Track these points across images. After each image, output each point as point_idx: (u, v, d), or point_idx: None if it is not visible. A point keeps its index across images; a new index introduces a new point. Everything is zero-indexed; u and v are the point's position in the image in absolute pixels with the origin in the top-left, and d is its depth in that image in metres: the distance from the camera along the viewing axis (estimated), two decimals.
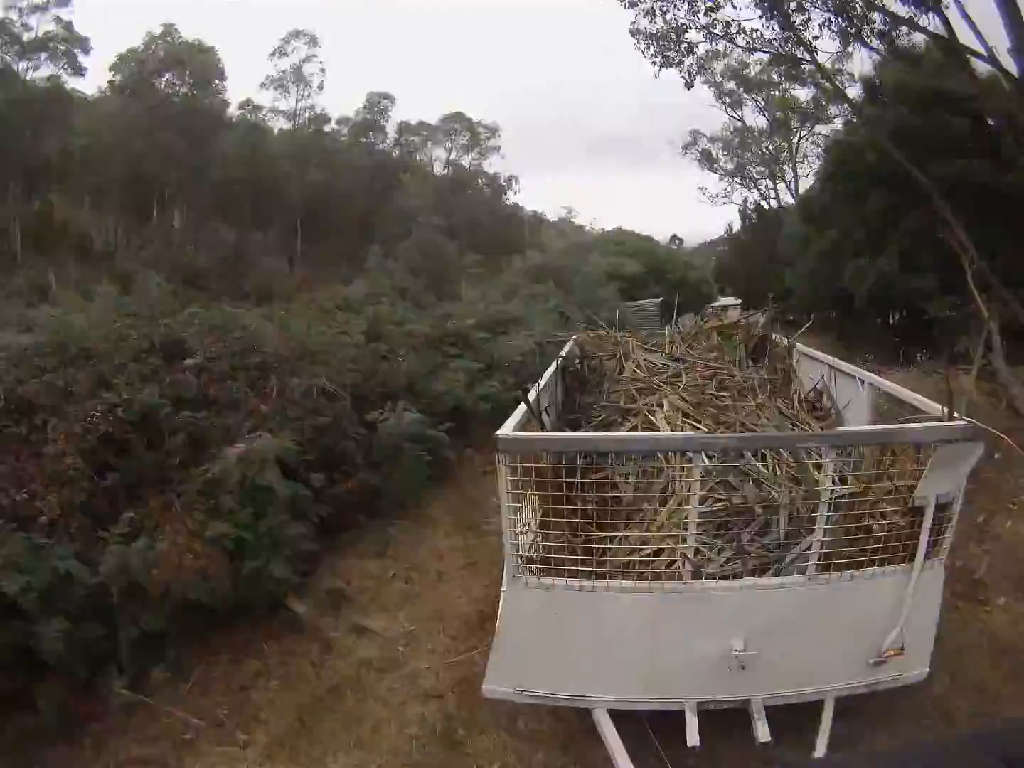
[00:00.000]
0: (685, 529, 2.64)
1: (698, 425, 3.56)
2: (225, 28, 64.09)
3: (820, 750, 2.59)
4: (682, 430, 3.44)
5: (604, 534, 2.82)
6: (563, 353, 5.07)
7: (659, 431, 3.45)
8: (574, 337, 5.64)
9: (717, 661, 2.64)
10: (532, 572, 2.71)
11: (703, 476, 2.64)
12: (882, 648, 2.68)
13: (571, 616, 2.70)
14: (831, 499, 2.65)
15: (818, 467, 2.90)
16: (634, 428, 3.70)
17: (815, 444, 2.84)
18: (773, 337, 5.15)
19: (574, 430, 3.96)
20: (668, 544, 2.74)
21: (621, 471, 3.12)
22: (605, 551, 2.75)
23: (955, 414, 2.75)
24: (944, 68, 12.33)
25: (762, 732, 2.59)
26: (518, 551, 2.69)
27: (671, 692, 2.74)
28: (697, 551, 2.65)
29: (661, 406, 3.82)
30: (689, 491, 2.61)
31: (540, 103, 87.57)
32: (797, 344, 5.09)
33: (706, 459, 2.64)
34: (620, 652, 2.73)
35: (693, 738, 2.59)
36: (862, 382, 3.96)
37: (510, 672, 2.80)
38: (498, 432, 2.65)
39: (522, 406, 3.28)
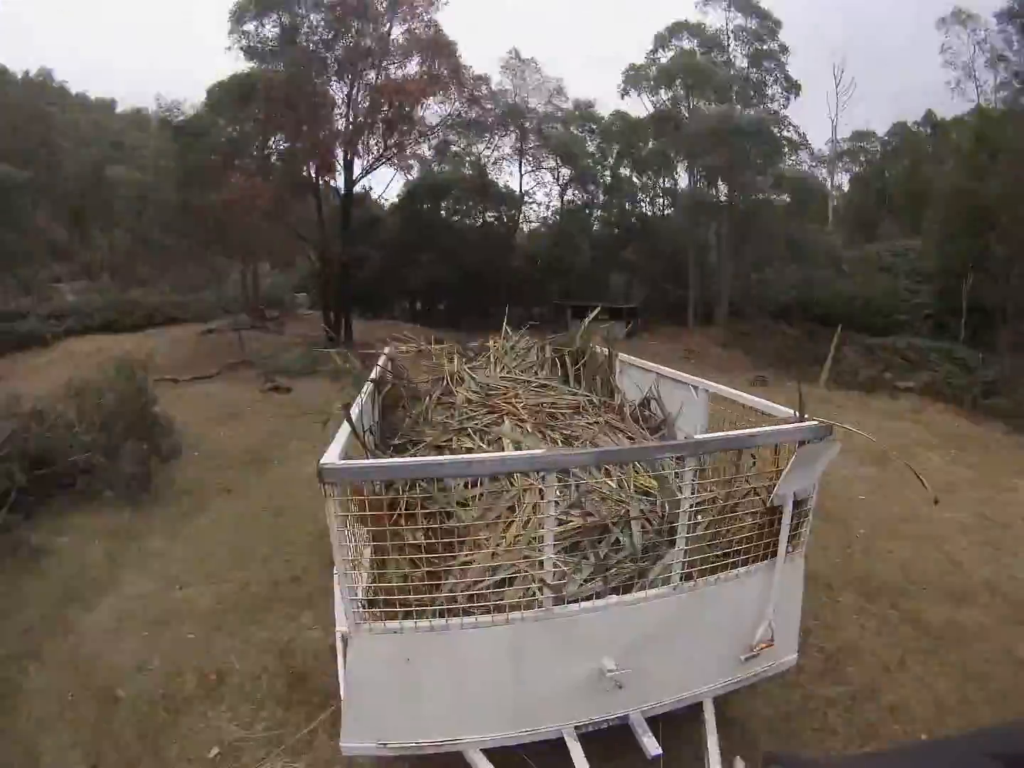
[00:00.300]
0: (540, 553, 2.39)
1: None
2: None
3: (713, 751, 2.56)
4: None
5: (451, 565, 2.49)
6: (377, 367, 4.48)
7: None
8: (385, 351, 5.18)
9: (590, 683, 2.49)
10: (375, 616, 2.28)
11: (556, 496, 2.33)
12: (753, 643, 2.73)
13: (427, 659, 2.36)
14: (692, 507, 2.55)
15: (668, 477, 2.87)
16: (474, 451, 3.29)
17: (675, 454, 2.68)
18: (596, 350, 4.97)
19: (402, 455, 3.47)
20: (522, 570, 2.50)
21: (465, 496, 2.86)
22: (454, 584, 2.44)
23: (805, 415, 2.75)
24: None
25: (651, 745, 2.48)
26: (357, 594, 2.24)
27: (545, 721, 2.54)
28: (554, 575, 2.40)
29: (500, 425, 3.56)
30: (542, 512, 2.36)
31: None
32: (621, 355, 4.99)
33: (556, 479, 2.33)
34: (485, 690, 2.46)
35: (581, 764, 2.42)
36: (696, 388, 3.92)
37: (368, 726, 2.41)
38: (322, 461, 2.09)
39: (343, 429, 2.74)
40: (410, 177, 24.56)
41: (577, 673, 2.53)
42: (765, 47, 24.33)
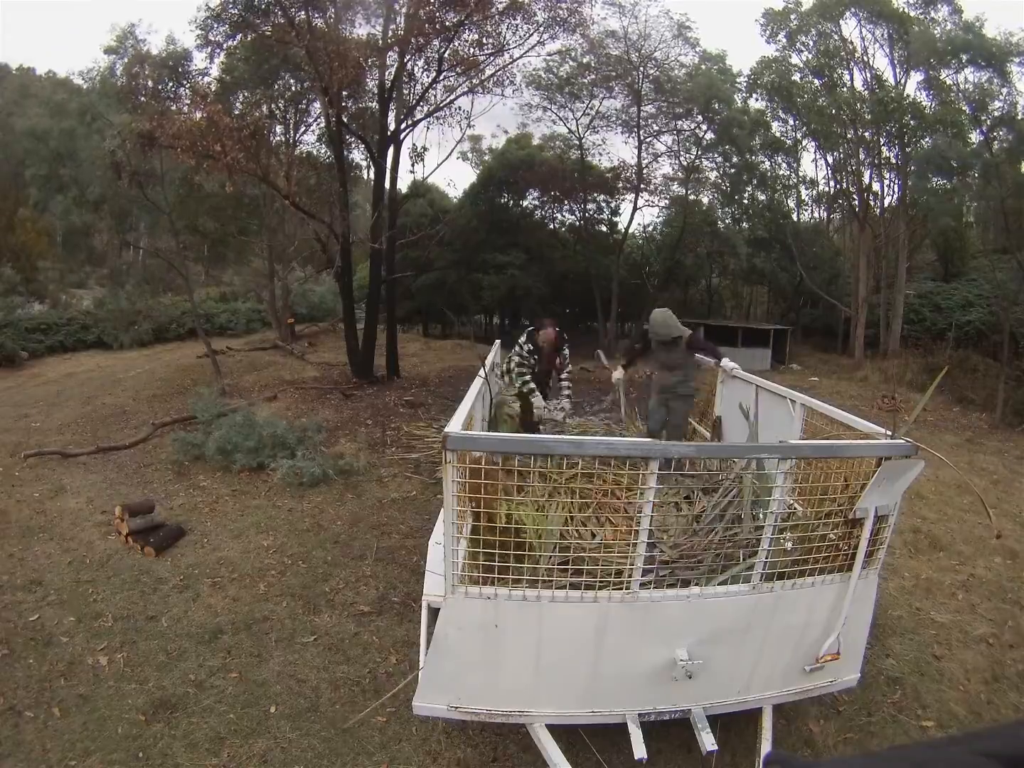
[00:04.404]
0: (636, 537, 2.84)
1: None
2: None
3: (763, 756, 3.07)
4: None
5: (546, 541, 3.04)
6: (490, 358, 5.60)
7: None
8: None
9: (660, 672, 2.90)
10: (472, 580, 2.84)
11: (656, 485, 2.88)
12: (819, 654, 3.06)
13: (514, 627, 2.82)
14: (779, 510, 2.98)
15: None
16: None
17: (769, 455, 3.08)
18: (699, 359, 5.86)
19: None
20: (616, 552, 2.94)
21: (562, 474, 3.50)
22: (549, 558, 2.96)
23: (894, 433, 3.21)
24: None
25: (707, 741, 2.86)
26: (458, 558, 2.79)
27: (612, 705, 2.98)
28: (645, 560, 2.93)
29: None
30: (642, 498, 2.81)
31: None
32: (723, 363, 5.52)
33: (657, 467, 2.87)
34: (562, 665, 2.91)
35: (640, 751, 2.80)
36: (793, 402, 4.35)
37: (444, 688, 2.91)
38: (446, 430, 2.66)
39: (465, 402, 3.39)
40: (484, 154, 17.92)
41: (651, 660, 2.86)
42: None
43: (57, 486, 7.58)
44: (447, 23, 12.37)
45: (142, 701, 3.90)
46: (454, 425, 2.83)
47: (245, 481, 7.61)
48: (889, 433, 3.16)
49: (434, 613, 3.04)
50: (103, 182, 15.44)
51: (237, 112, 12.76)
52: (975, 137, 17.78)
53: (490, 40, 13.45)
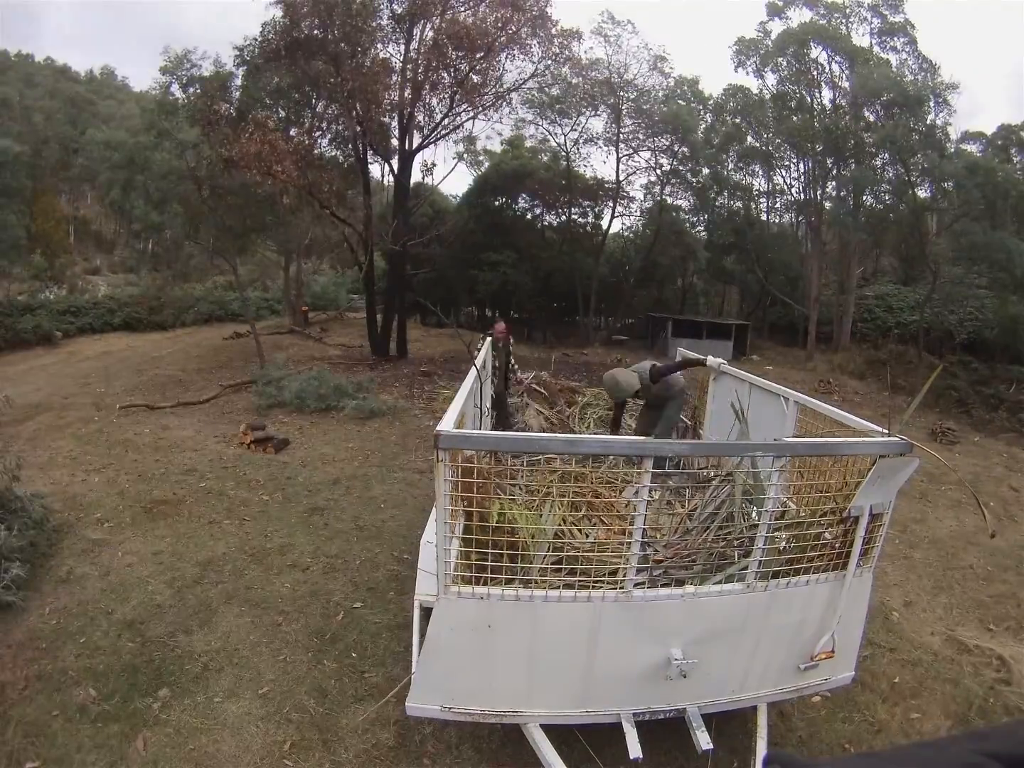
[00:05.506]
0: (630, 536, 2.68)
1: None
2: None
3: (760, 754, 2.87)
4: None
5: (540, 540, 2.88)
6: (481, 355, 5.46)
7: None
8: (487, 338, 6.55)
9: (655, 671, 2.77)
10: (465, 580, 2.68)
11: (650, 483, 2.66)
12: (814, 652, 2.96)
13: (506, 628, 2.68)
14: (774, 508, 2.81)
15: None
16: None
17: (763, 454, 2.91)
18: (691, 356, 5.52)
19: None
20: (610, 551, 2.81)
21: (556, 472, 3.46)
22: (543, 557, 2.80)
23: (889, 431, 3.01)
24: None
25: (703, 740, 2.74)
26: (451, 558, 2.63)
27: (607, 704, 2.85)
28: (640, 559, 2.72)
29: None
30: (636, 496, 2.65)
31: None
32: (710, 362, 5.33)
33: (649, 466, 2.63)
34: (556, 664, 2.77)
35: (635, 750, 2.70)
36: (786, 400, 4.20)
37: (437, 688, 2.77)
38: (438, 428, 2.47)
39: (456, 401, 3.20)
40: (479, 155, 20.28)
41: (645, 659, 2.78)
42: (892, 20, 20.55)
43: (161, 425, 9.31)
44: (461, 66, 14.75)
45: (301, 510, 6.42)
46: (446, 424, 2.63)
47: (318, 417, 10.03)
48: (884, 431, 3.01)
49: (427, 613, 2.89)
50: (179, 192, 16.64)
51: (282, 126, 15.30)
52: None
53: (494, 74, 15.69)
